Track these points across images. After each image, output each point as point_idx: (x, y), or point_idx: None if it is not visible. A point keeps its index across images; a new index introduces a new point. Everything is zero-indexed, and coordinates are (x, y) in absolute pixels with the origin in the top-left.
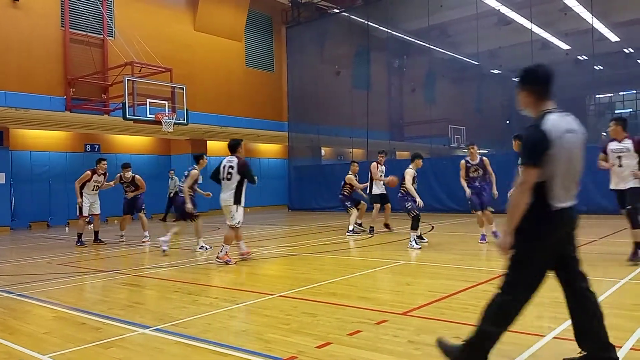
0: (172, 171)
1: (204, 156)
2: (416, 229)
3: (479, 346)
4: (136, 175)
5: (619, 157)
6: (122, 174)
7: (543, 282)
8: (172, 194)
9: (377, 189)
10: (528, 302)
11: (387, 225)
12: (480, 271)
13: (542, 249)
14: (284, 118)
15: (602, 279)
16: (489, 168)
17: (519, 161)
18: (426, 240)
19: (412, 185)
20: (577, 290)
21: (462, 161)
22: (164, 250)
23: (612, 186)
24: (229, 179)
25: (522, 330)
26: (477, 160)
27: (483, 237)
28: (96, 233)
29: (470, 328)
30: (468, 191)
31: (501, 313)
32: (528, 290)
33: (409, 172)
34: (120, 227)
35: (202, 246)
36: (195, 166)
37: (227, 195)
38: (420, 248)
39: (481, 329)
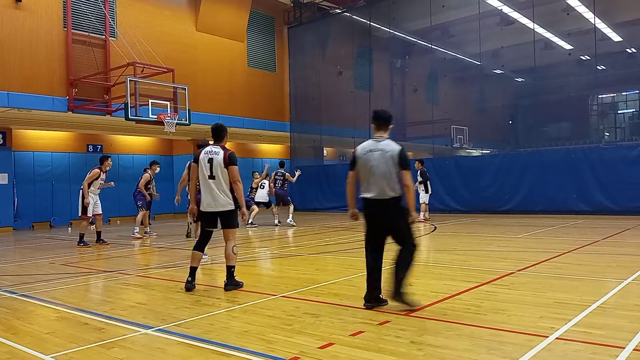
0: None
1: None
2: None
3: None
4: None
5: None
6: (150, 171)
7: (376, 241)
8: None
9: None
10: (372, 253)
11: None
12: (483, 272)
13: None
14: (286, 118)
15: (605, 279)
16: None
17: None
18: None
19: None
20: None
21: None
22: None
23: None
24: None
25: (525, 330)
26: None
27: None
28: (99, 233)
29: (472, 328)
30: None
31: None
32: (368, 245)
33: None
34: (137, 223)
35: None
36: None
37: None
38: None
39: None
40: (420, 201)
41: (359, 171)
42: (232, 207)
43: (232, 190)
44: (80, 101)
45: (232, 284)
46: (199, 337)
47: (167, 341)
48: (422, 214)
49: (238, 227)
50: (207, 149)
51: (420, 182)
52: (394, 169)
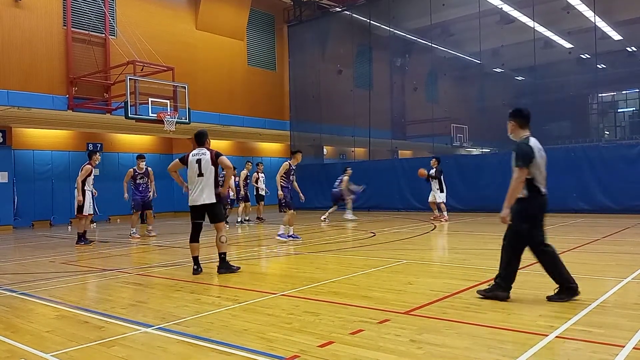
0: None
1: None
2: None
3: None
4: (149, 168)
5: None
6: (135, 166)
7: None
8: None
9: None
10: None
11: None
12: (482, 270)
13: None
14: (285, 117)
15: (605, 278)
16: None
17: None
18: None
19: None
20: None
21: (286, 163)
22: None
23: None
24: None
25: (524, 329)
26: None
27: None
28: (84, 232)
29: (472, 327)
30: (281, 193)
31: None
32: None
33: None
34: (133, 224)
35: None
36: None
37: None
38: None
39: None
40: (439, 201)
41: (535, 168)
42: (215, 200)
43: (216, 187)
44: (80, 100)
45: (224, 267)
46: (199, 335)
47: (167, 339)
48: (444, 213)
49: (225, 219)
50: (195, 151)
51: (434, 179)
52: None
